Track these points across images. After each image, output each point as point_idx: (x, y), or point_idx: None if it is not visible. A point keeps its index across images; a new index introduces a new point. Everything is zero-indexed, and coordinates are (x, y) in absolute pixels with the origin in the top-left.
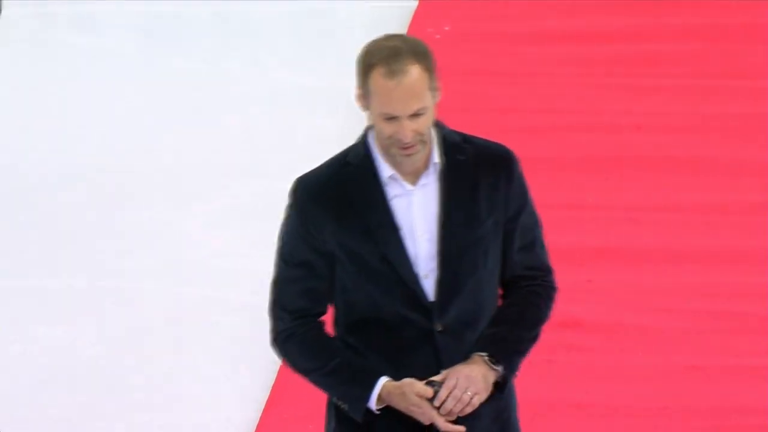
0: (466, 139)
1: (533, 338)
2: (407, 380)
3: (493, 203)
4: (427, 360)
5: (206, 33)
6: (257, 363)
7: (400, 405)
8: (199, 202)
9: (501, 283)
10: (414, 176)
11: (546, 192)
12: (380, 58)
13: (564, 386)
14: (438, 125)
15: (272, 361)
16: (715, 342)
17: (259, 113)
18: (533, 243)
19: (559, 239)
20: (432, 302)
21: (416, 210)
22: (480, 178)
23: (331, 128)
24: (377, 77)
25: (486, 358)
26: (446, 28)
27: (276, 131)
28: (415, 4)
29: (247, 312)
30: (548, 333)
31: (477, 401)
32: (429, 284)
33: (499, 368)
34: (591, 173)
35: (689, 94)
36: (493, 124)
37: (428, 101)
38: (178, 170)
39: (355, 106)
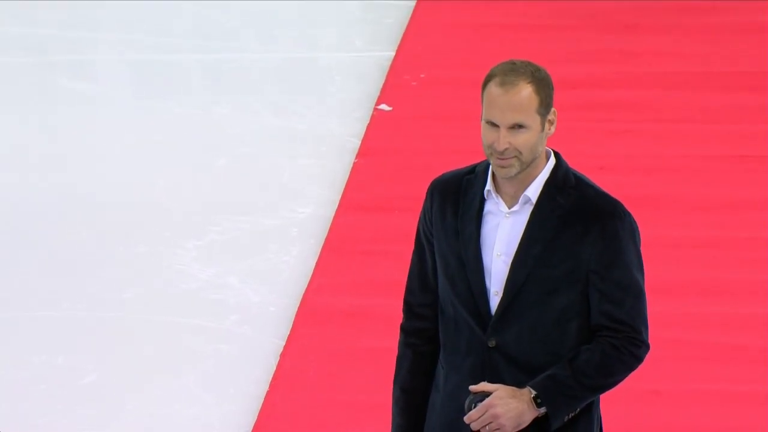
0: (579, 185)
1: (597, 387)
2: None
3: (573, 252)
4: (474, 369)
5: (198, 80)
6: (244, 390)
7: None
8: (192, 237)
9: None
10: (511, 199)
11: None
12: (498, 71)
13: None
14: (558, 164)
15: (259, 389)
16: (677, 368)
17: (247, 155)
18: (622, 301)
19: None
20: (491, 317)
21: (501, 232)
22: (568, 225)
23: (314, 168)
24: (491, 86)
25: (533, 395)
26: (422, 76)
27: (263, 171)
28: (392, 54)
29: (236, 341)
30: None
31: None
32: (495, 301)
33: (542, 410)
34: None
35: (649, 137)
36: None
37: (531, 121)
38: (172, 208)
39: (337, 147)
